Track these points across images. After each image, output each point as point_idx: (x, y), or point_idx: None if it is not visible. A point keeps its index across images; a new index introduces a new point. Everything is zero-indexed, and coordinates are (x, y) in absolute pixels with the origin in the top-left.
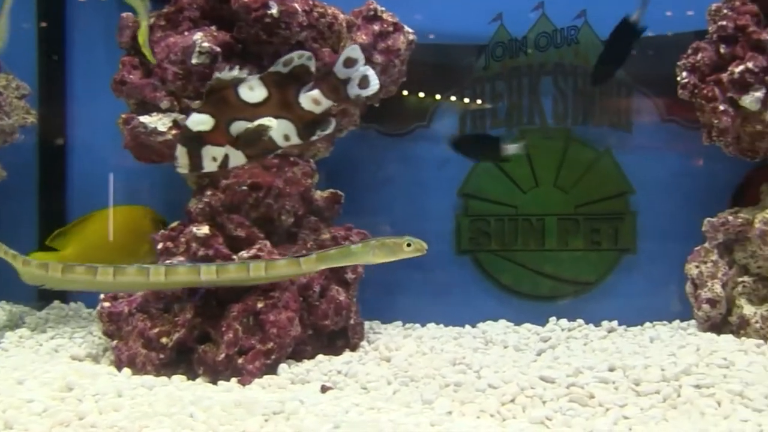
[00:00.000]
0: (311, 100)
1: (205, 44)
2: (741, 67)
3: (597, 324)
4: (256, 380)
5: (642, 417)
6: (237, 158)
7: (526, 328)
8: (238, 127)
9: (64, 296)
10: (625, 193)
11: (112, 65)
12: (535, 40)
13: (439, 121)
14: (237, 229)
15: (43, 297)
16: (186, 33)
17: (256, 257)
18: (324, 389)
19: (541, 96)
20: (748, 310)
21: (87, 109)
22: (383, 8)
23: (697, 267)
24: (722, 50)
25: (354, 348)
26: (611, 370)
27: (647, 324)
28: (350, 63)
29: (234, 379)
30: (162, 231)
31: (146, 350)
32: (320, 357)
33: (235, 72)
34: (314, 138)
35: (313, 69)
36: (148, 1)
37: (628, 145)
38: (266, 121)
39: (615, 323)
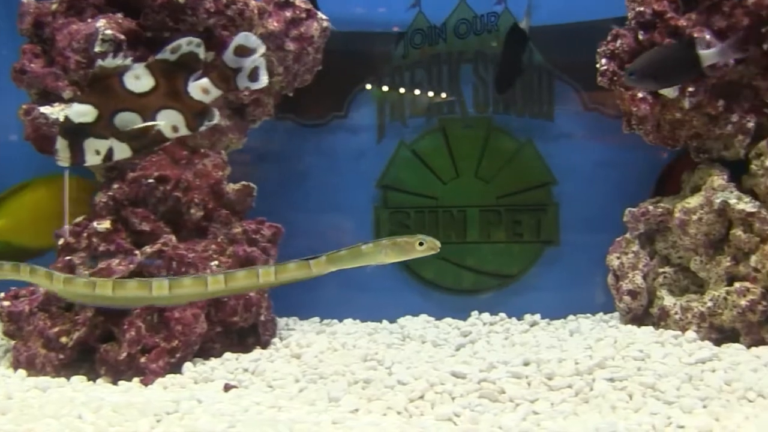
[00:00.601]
0: (200, 89)
1: (109, 32)
2: None
3: (520, 318)
4: (159, 380)
5: (551, 412)
6: (122, 151)
7: (446, 322)
8: (123, 118)
9: None
10: (548, 184)
11: (13, 53)
12: (454, 27)
13: (357, 110)
14: (142, 223)
15: None
16: (90, 20)
17: (160, 252)
18: (227, 388)
19: (461, 84)
20: (668, 301)
21: None
22: None
23: (618, 258)
24: (640, 37)
25: (265, 345)
26: (526, 364)
27: (570, 317)
28: (241, 51)
29: (136, 379)
30: (67, 226)
31: (46, 350)
32: (227, 355)
33: (120, 60)
34: (203, 128)
35: (202, 56)
36: None
37: (551, 135)
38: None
39: (538, 317)
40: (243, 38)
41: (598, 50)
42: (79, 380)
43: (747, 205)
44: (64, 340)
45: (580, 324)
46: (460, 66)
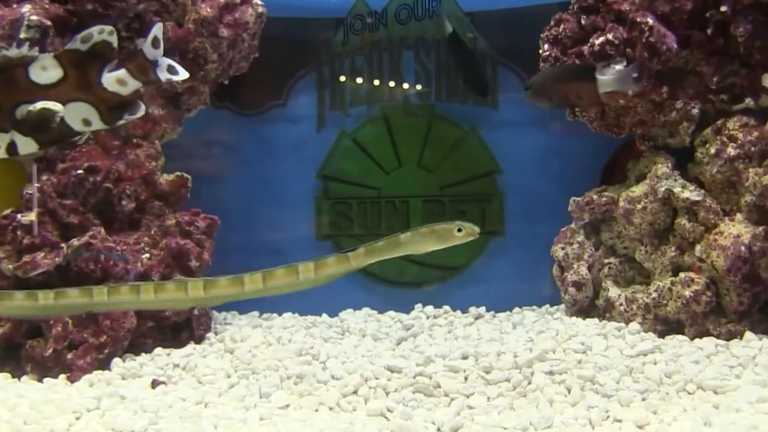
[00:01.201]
0: (116, 80)
1: (34, 17)
2: (601, 39)
3: (464, 310)
4: (86, 376)
5: (487, 406)
6: (26, 145)
7: (389, 316)
8: (24, 111)
9: None
10: (492, 173)
11: None
12: (395, 13)
13: (296, 99)
14: (70, 215)
15: None
16: (15, 5)
17: (87, 245)
18: (154, 384)
19: (402, 71)
20: (613, 292)
21: None
22: None
23: (563, 249)
24: (583, 21)
25: (199, 340)
26: (464, 358)
27: (516, 309)
28: (156, 43)
29: (63, 376)
30: None
31: None
32: (159, 350)
33: (25, 50)
34: (122, 123)
35: (115, 45)
36: None
37: (495, 123)
38: (49, 104)
39: (483, 309)
40: (158, 29)
41: (541, 35)
42: (3, 377)
43: (692, 193)
44: None
45: (524, 316)
46: (402, 52)
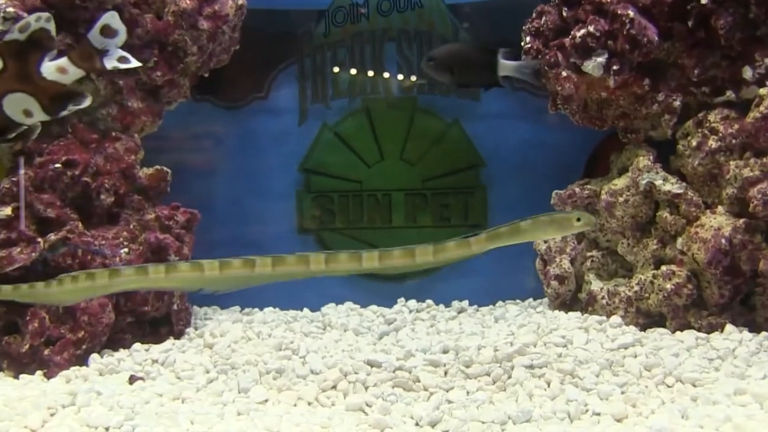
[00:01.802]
0: (56, 68)
1: (11, 9)
2: (583, 31)
3: (447, 304)
4: (63, 372)
5: (465, 401)
6: None
7: (371, 310)
8: None
9: None
10: (475, 166)
11: None
12: (377, 5)
13: (278, 91)
14: (47, 209)
15: None
16: None
17: (64, 240)
18: (132, 380)
19: (384, 64)
20: (596, 285)
21: None
22: None
23: (545, 242)
24: (565, 14)
25: (179, 335)
26: (444, 352)
27: (499, 303)
28: (108, 32)
29: (40, 372)
30: None
31: None
32: (137, 345)
33: None
34: (66, 113)
35: (53, 32)
36: None
37: (478, 115)
38: None
39: (466, 303)
40: (110, 17)
41: (523, 28)
42: None
43: (673, 186)
44: None
45: (507, 310)
46: (384, 45)
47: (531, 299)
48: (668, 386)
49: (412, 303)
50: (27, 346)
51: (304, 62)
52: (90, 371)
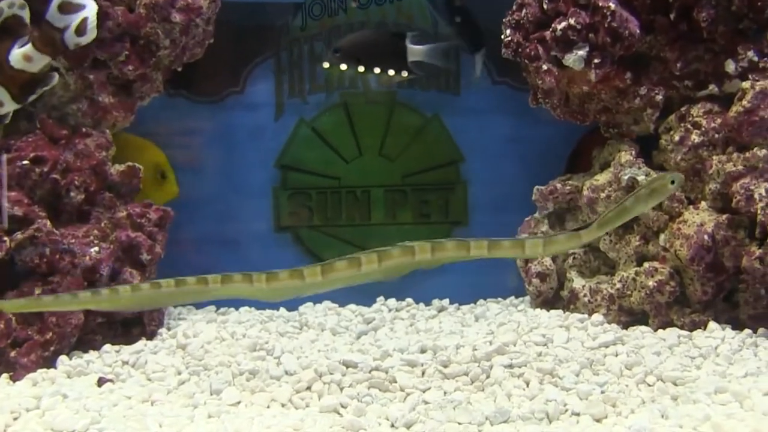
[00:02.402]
0: (22, 56)
1: None
2: (563, 24)
3: (428, 303)
4: (30, 375)
5: (442, 401)
6: None
7: (350, 309)
8: None
9: None
10: (456, 162)
11: None
12: None
13: (254, 86)
14: (14, 207)
15: None
16: None
17: (32, 238)
18: (101, 382)
19: None
20: (577, 283)
21: None
22: None
23: None
24: (546, 6)
25: (151, 336)
26: (422, 351)
27: (481, 301)
28: (67, 8)
29: (5, 375)
30: None
31: None
32: (107, 347)
33: None
34: (34, 97)
35: (27, 19)
36: None
37: (458, 110)
38: None
39: (446, 302)
40: None
41: (504, 20)
42: None
43: None
44: None
45: (488, 308)
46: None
47: (513, 297)
48: (649, 385)
49: (392, 302)
50: None
51: (281, 56)
52: (57, 373)
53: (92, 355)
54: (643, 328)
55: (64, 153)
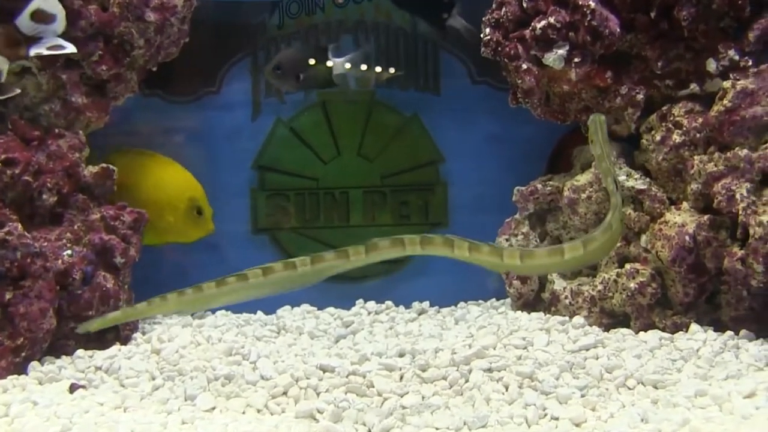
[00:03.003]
0: None
1: None
2: (543, 23)
3: (408, 306)
4: (0, 381)
5: (420, 406)
6: None
7: (329, 312)
8: None
9: None
10: (435, 162)
11: None
12: None
13: (230, 85)
14: None
15: None
16: None
17: (3, 241)
18: (73, 388)
19: None
20: (558, 285)
21: None
22: None
23: (507, 240)
24: (525, 4)
25: (125, 341)
26: (400, 355)
27: (461, 304)
28: (41, 17)
29: None
30: None
31: None
32: (80, 352)
33: None
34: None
35: None
36: None
37: (438, 110)
38: None
39: (426, 304)
40: (42, 1)
41: (483, 19)
42: None
43: (637, 181)
44: None
45: (468, 311)
46: (340, 37)
47: (494, 299)
48: (629, 389)
49: (371, 305)
50: None
51: (258, 55)
52: (28, 380)
53: (65, 360)
54: (624, 330)
55: (36, 154)
